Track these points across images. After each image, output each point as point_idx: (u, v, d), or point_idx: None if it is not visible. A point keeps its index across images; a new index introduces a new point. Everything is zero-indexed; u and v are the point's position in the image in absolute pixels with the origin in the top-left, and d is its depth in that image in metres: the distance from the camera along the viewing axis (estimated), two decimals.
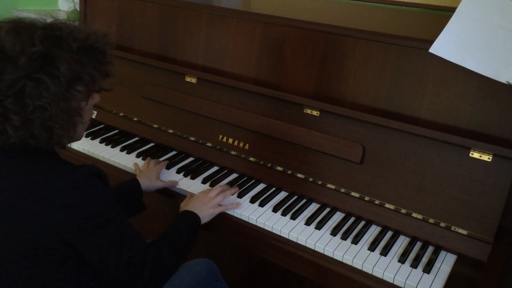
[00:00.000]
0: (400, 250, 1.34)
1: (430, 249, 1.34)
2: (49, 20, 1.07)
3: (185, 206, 1.43)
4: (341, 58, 1.52)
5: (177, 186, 1.58)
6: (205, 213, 1.40)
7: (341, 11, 1.83)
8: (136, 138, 1.89)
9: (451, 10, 1.33)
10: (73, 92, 1.02)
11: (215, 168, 1.69)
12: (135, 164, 1.68)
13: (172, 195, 1.59)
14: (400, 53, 1.42)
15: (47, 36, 0.99)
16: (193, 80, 1.78)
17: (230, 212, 1.48)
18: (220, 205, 1.46)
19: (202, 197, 1.45)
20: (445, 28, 1.31)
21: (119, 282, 1.12)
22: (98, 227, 1.04)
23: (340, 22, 1.59)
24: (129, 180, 1.54)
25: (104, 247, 1.07)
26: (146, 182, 1.53)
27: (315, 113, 1.54)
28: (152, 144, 1.85)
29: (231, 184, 1.59)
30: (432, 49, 1.33)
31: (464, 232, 1.31)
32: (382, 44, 1.44)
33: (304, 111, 1.56)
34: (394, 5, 1.82)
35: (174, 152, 1.79)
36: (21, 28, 0.99)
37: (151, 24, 1.93)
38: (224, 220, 1.49)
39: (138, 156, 1.76)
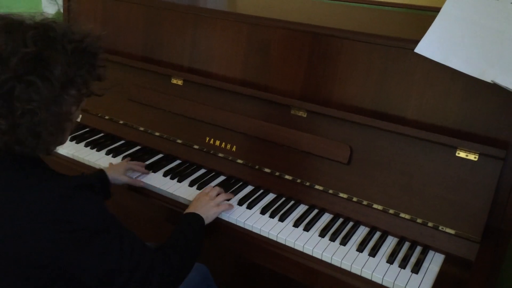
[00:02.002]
0: (389, 251, 1.33)
1: (418, 249, 1.34)
2: (38, 18, 1.00)
3: (188, 208, 1.40)
4: (327, 59, 1.52)
5: (166, 190, 1.56)
6: (209, 213, 1.38)
7: (327, 12, 1.83)
8: (122, 141, 1.86)
9: (436, 10, 1.33)
10: (65, 97, 0.97)
11: (202, 171, 1.68)
12: (110, 163, 1.65)
13: (158, 197, 1.57)
14: (386, 53, 1.42)
15: (40, 36, 0.94)
16: (179, 82, 1.77)
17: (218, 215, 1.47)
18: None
19: (203, 197, 1.43)
20: (430, 28, 1.32)
21: None
22: (92, 237, 0.98)
23: (326, 23, 1.58)
24: (96, 170, 1.54)
25: (102, 257, 1.00)
26: (112, 174, 1.52)
27: (302, 114, 1.54)
28: (138, 147, 1.83)
29: (219, 186, 1.58)
30: (418, 49, 1.33)
31: (452, 231, 1.31)
32: (367, 44, 1.44)
33: (291, 112, 1.55)
34: (380, 6, 1.82)
35: (161, 155, 1.77)
36: (12, 27, 0.94)
37: (136, 26, 1.91)
38: (212, 224, 1.47)
39: (124, 159, 1.74)
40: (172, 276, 1.14)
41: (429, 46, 1.31)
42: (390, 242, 1.37)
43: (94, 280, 1.02)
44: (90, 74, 1.03)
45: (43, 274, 0.99)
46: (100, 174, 1.50)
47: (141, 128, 1.84)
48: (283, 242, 1.38)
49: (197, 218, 1.35)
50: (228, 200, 1.50)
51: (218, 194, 1.47)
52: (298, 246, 1.35)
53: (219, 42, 1.72)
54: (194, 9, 1.78)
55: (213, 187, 1.51)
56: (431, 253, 1.33)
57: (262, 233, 1.41)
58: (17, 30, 0.93)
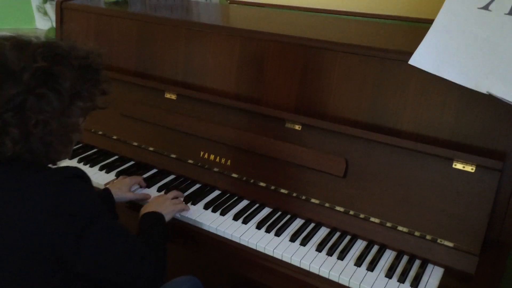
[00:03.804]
0: (387, 265, 1.31)
1: (417, 263, 1.32)
2: (42, 38, 1.08)
3: (144, 210, 1.42)
4: (322, 71, 1.51)
5: None
6: (166, 211, 1.42)
7: (321, 25, 1.83)
8: (116, 157, 1.84)
9: (429, 22, 1.33)
10: (74, 108, 1.05)
11: (197, 186, 1.66)
12: (111, 181, 1.64)
13: None
14: (380, 65, 1.41)
15: (49, 53, 1.01)
16: (173, 97, 1.75)
17: (213, 230, 1.45)
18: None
19: (159, 199, 1.48)
20: (423, 40, 1.31)
21: (121, 280, 1.11)
22: (89, 224, 1.02)
23: (320, 36, 1.58)
24: (101, 189, 1.52)
25: (99, 245, 1.04)
26: (117, 192, 1.51)
27: (296, 127, 1.52)
28: (132, 163, 1.81)
29: (214, 201, 1.56)
30: (412, 61, 1.32)
31: (450, 244, 1.30)
32: (362, 57, 1.44)
33: (286, 126, 1.54)
34: (373, 18, 1.82)
35: (155, 170, 1.75)
36: (22, 45, 1.01)
37: (129, 41, 1.90)
38: (206, 239, 1.45)
39: (117, 175, 1.72)
40: (161, 267, 1.20)
41: (423, 58, 1.31)
42: (388, 256, 1.35)
43: (90, 268, 1.06)
44: (96, 88, 1.12)
45: (44, 263, 1.00)
46: (105, 192, 1.49)
47: (135, 143, 1.82)
48: (279, 257, 1.35)
49: (157, 215, 1.38)
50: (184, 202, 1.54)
51: (174, 197, 1.52)
52: (295, 261, 1.33)
53: (212, 56, 1.71)
54: (186, 23, 1.77)
55: (171, 191, 1.56)
56: (430, 267, 1.31)
57: (258, 248, 1.38)
58: (27, 47, 1.01)
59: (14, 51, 0.99)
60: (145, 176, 1.70)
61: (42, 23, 3.07)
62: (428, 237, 1.32)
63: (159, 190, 1.63)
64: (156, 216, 1.38)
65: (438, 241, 1.31)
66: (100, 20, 1.97)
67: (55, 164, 1.10)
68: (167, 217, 1.41)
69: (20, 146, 0.99)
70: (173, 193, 1.54)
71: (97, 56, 1.13)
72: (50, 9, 2.83)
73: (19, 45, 1.01)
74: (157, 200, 1.48)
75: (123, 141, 1.85)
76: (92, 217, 1.04)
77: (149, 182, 1.66)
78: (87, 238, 1.02)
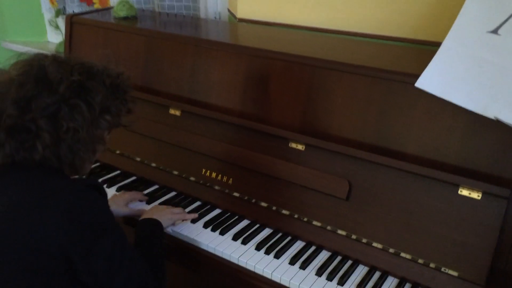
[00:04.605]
0: None
1: None
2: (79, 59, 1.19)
3: (142, 216, 1.45)
4: (327, 92, 1.49)
5: None
6: (165, 217, 1.44)
7: (328, 45, 1.82)
8: (118, 172, 1.83)
9: (437, 44, 1.31)
10: (102, 121, 1.13)
11: (198, 203, 1.64)
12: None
13: None
14: (386, 87, 1.39)
15: (84, 69, 1.12)
16: (177, 113, 1.74)
17: (211, 250, 1.42)
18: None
19: (158, 206, 1.53)
20: (431, 62, 1.29)
21: None
22: (101, 235, 1.06)
23: (326, 56, 1.57)
24: None
25: (106, 255, 1.07)
26: (114, 207, 1.49)
27: (300, 147, 1.50)
28: (134, 178, 1.79)
29: (214, 219, 1.53)
30: (418, 83, 1.30)
31: (455, 273, 1.25)
32: (367, 78, 1.42)
33: (289, 145, 1.51)
34: (380, 40, 1.81)
35: (156, 186, 1.73)
36: (62, 61, 1.12)
37: (137, 55, 1.90)
38: (204, 259, 1.42)
39: (118, 190, 1.70)
40: (160, 281, 1.23)
41: (430, 81, 1.28)
42: (390, 283, 1.31)
43: (93, 280, 1.08)
44: (123, 106, 1.21)
45: (51, 266, 1.02)
46: None
47: (138, 159, 1.81)
48: (277, 281, 1.32)
49: (153, 222, 1.40)
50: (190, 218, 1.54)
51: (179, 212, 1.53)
52: (294, 285, 1.30)
53: (218, 73, 1.70)
54: (193, 40, 1.77)
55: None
56: None
57: (256, 271, 1.35)
58: (65, 63, 1.11)
59: (54, 64, 1.09)
60: (146, 192, 1.69)
61: (54, 37, 3.10)
62: (431, 265, 1.28)
63: None
64: (154, 223, 1.40)
65: (442, 269, 1.27)
66: (108, 34, 1.98)
67: (77, 175, 1.16)
68: (165, 224, 1.43)
69: (49, 151, 1.05)
70: (177, 209, 1.55)
71: (126, 78, 1.23)
72: (62, 22, 2.86)
73: (59, 60, 1.11)
74: (157, 207, 1.51)
75: (126, 156, 1.84)
76: (104, 230, 1.08)
77: (150, 198, 1.64)
78: (96, 249, 1.05)
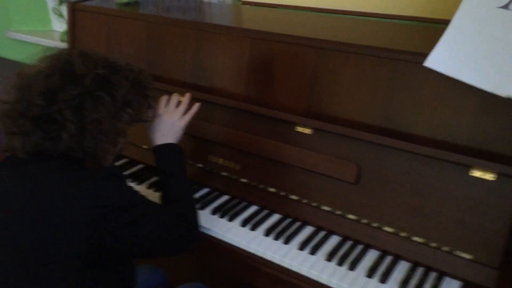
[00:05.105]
0: (401, 277, 1.25)
1: (433, 275, 1.26)
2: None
3: (156, 139, 1.41)
4: (333, 74, 1.45)
5: None
6: (178, 134, 1.42)
7: (333, 26, 1.78)
8: (125, 160, 1.82)
9: (446, 22, 1.27)
10: (124, 114, 1.15)
11: (205, 190, 1.62)
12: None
13: None
14: (394, 67, 1.35)
15: (108, 63, 1.16)
16: (181, 98, 1.71)
17: (220, 237, 1.41)
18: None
19: (166, 119, 1.42)
20: (440, 41, 1.25)
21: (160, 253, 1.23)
22: (121, 212, 1.09)
23: (331, 37, 1.53)
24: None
25: (133, 227, 1.11)
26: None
27: (307, 131, 1.47)
28: (141, 166, 1.79)
29: (222, 206, 1.52)
30: (427, 63, 1.26)
31: (468, 256, 1.23)
32: (374, 58, 1.38)
33: (296, 130, 1.49)
34: (387, 19, 1.76)
35: None
36: (88, 55, 1.16)
37: (139, 42, 1.88)
38: (212, 246, 1.41)
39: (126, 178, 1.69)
40: (193, 231, 1.29)
41: (439, 60, 1.24)
42: (403, 268, 1.29)
43: (132, 248, 1.14)
44: (144, 101, 1.24)
45: (77, 262, 1.05)
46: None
47: (144, 146, 1.80)
48: (287, 266, 1.31)
49: (176, 149, 1.40)
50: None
51: (178, 104, 1.46)
52: (303, 270, 1.28)
53: (221, 57, 1.67)
54: (196, 24, 1.74)
55: (172, 98, 1.47)
56: (446, 280, 1.25)
57: (266, 256, 1.34)
58: (91, 57, 1.15)
59: (79, 58, 1.13)
60: (153, 179, 1.68)
61: (58, 25, 3.08)
62: (444, 248, 1.26)
63: None
64: (175, 152, 1.40)
65: (455, 252, 1.25)
66: (110, 21, 1.95)
67: (99, 166, 1.17)
68: (180, 138, 1.43)
69: (74, 141, 1.08)
70: (174, 101, 1.46)
71: (148, 75, 1.26)
72: (66, 11, 2.83)
73: (85, 54, 1.16)
74: (165, 121, 1.41)
75: (132, 143, 1.82)
76: (129, 204, 1.12)
77: (156, 187, 1.62)
78: (121, 222, 1.09)
